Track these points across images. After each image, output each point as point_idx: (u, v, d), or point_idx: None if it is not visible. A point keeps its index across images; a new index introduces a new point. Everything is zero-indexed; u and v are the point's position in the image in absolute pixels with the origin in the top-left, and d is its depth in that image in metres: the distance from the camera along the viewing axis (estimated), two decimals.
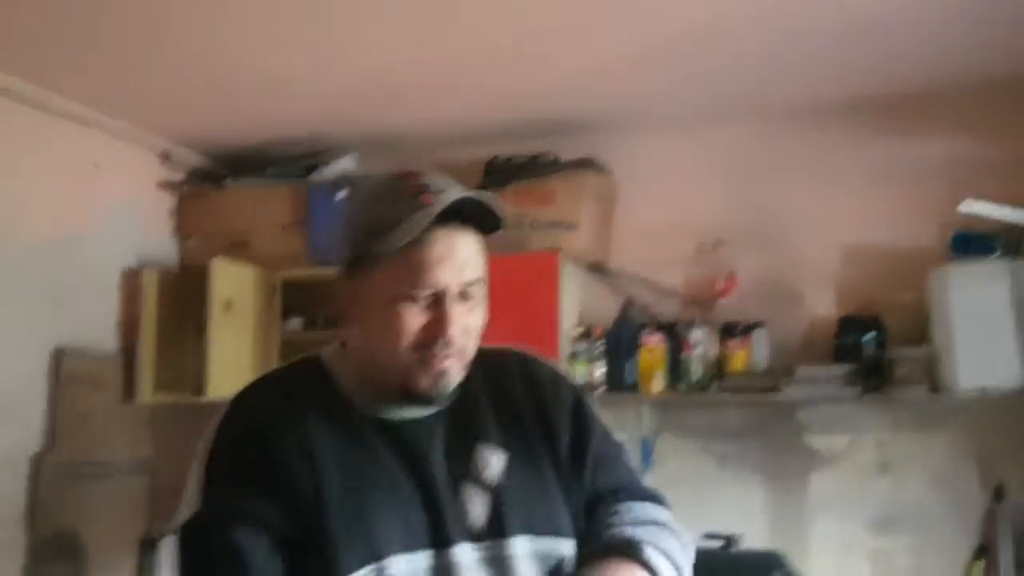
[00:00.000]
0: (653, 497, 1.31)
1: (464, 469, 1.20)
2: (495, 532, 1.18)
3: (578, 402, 1.32)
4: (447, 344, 1.15)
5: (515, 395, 1.29)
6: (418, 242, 1.13)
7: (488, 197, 1.17)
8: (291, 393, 1.22)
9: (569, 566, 1.21)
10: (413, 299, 1.14)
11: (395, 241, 1.12)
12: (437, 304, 1.15)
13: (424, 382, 1.17)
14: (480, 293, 1.19)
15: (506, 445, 1.23)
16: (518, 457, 1.23)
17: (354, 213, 1.21)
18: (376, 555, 1.12)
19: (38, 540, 2.89)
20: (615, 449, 1.34)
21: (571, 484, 1.26)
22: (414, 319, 1.15)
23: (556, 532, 1.22)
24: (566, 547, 1.22)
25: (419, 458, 1.19)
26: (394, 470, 1.18)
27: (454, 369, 1.18)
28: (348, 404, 1.21)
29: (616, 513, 1.26)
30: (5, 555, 2.82)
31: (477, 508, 1.19)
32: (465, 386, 1.24)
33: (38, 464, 2.92)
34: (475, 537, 1.18)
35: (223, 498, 1.14)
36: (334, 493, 1.15)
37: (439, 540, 1.16)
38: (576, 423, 1.30)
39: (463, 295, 1.16)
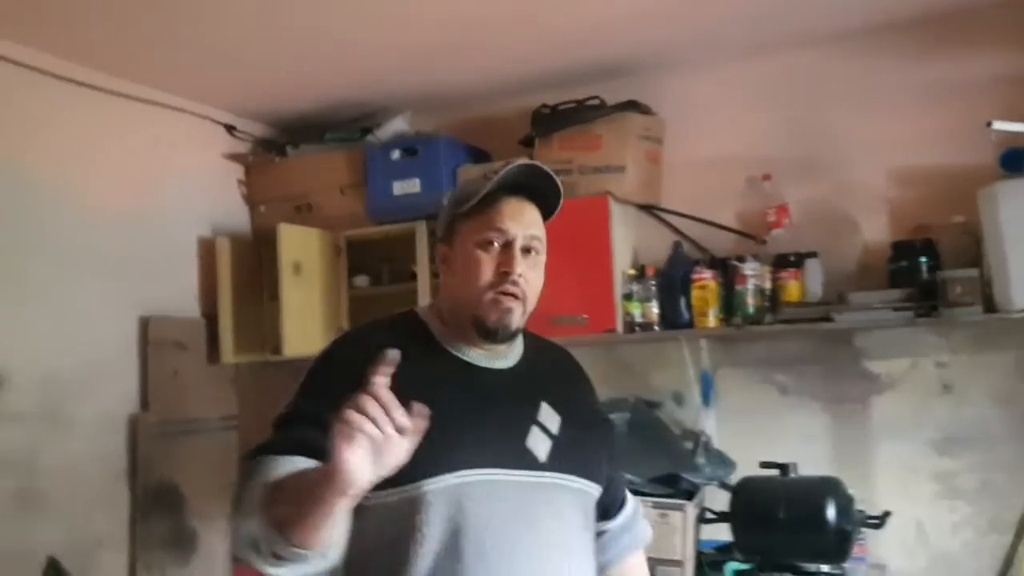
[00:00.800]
0: (627, 494, 1.76)
1: (532, 417, 1.50)
2: (550, 467, 1.47)
3: (598, 399, 1.78)
4: (514, 283, 1.44)
5: (566, 377, 1.66)
6: (494, 203, 1.46)
7: (547, 168, 1.48)
8: (388, 332, 1.52)
9: (592, 504, 1.57)
10: (489, 243, 1.45)
11: (474, 200, 1.45)
12: (507, 250, 1.45)
13: (492, 316, 1.45)
14: (541, 255, 1.50)
15: (559, 411, 1.54)
16: (568, 421, 1.54)
17: (452, 193, 1.55)
18: (451, 466, 1.40)
19: (141, 493, 3.08)
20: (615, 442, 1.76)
21: (605, 455, 1.65)
22: (489, 262, 1.45)
23: (593, 479, 1.55)
24: (596, 491, 1.57)
25: (495, 398, 1.48)
26: (473, 402, 1.46)
27: (517, 312, 1.47)
28: (439, 346, 1.52)
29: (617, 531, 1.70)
30: (113, 508, 3.04)
31: (540, 447, 1.48)
32: (532, 356, 1.58)
33: (135, 423, 3.11)
34: (534, 467, 1.46)
35: (307, 406, 1.45)
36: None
37: (507, 462, 1.44)
38: (605, 415, 1.79)
39: (527, 248, 1.47)
